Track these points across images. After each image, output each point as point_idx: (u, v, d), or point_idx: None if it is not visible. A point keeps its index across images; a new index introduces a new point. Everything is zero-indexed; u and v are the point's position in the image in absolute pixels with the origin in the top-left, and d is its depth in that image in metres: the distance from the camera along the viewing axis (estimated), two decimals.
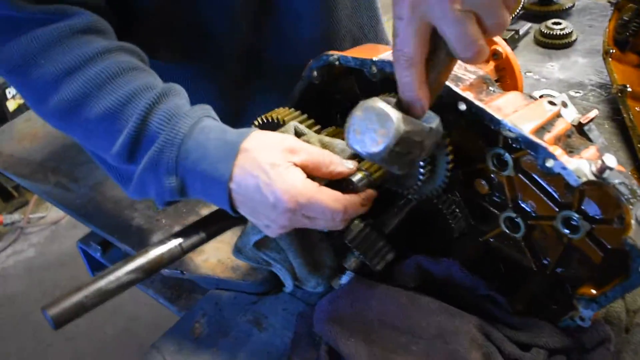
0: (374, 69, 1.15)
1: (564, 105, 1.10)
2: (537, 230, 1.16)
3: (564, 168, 0.95)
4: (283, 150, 1.04)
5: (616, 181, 0.95)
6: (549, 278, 1.18)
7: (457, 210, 1.24)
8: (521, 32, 2.39)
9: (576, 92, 2.02)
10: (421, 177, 1.12)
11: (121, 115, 1.09)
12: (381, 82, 1.15)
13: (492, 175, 1.16)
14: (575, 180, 0.95)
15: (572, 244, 1.10)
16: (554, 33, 2.34)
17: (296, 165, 1.04)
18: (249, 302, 1.34)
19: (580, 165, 0.95)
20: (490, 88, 1.12)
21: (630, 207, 0.94)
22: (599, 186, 0.96)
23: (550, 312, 1.15)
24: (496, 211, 1.19)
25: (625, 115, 1.79)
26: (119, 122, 1.09)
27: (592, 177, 0.94)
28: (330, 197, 1.04)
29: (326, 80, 1.29)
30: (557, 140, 1.01)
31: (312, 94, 1.34)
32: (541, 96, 1.20)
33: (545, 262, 1.18)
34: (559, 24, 2.37)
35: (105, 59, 1.11)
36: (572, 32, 2.35)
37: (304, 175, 1.04)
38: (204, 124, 1.09)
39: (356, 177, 1.08)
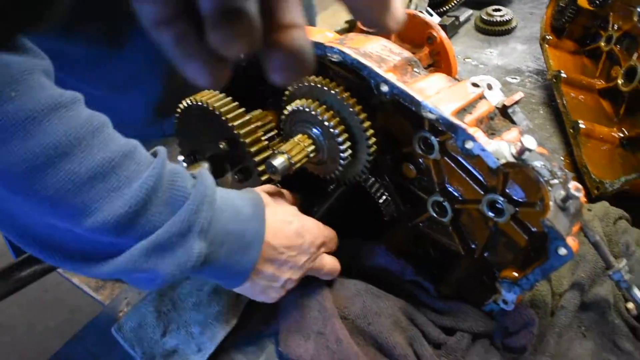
0: None
1: (489, 87, 1.08)
2: (465, 214, 1.15)
3: (483, 150, 0.94)
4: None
5: (536, 163, 0.94)
6: (477, 262, 1.17)
7: (387, 194, 1.23)
8: (462, 18, 2.40)
9: (513, 78, 2.03)
10: (342, 161, 1.10)
11: (113, 179, 0.84)
12: None
13: (419, 159, 1.14)
14: (494, 162, 0.94)
15: (497, 227, 1.10)
16: (494, 20, 2.35)
17: None
18: None
19: (499, 147, 0.94)
20: (415, 70, 1.10)
21: (549, 188, 0.94)
22: (518, 168, 0.95)
23: (475, 296, 1.15)
24: (424, 195, 1.18)
25: (559, 101, 1.80)
26: (111, 185, 0.84)
27: (511, 159, 0.93)
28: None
29: (254, 62, 1.26)
30: (479, 122, 1.00)
31: (241, 76, 1.30)
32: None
33: (473, 246, 1.17)
34: (499, 10, 2.38)
35: (80, 110, 0.88)
36: (512, 19, 2.36)
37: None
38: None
39: (277, 161, 1.06)
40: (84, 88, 1.50)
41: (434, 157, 1.08)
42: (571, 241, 0.92)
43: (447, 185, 1.13)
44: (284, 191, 1.21)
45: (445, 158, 1.09)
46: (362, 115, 1.06)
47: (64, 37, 1.28)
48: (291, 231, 1.06)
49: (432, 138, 1.06)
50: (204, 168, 1.21)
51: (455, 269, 1.21)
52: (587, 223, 1.15)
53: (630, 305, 1.21)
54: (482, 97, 1.05)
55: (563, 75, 1.82)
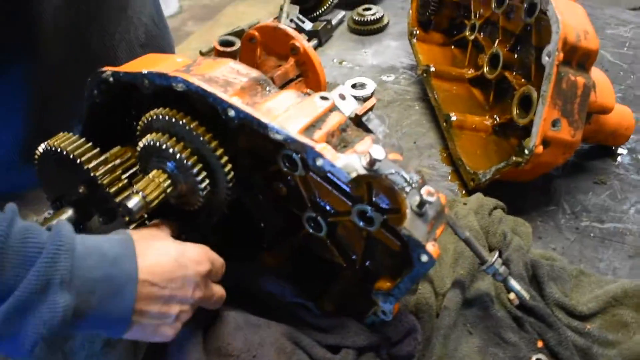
0: (146, 82, 1.08)
1: (342, 97, 1.07)
2: (340, 227, 1.13)
3: (333, 166, 0.92)
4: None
5: (388, 171, 0.93)
6: (359, 273, 1.16)
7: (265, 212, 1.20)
8: (334, 21, 2.39)
9: (388, 77, 2.04)
10: (202, 192, 1.06)
11: None
12: (154, 95, 1.08)
13: (287, 177, 1.12)
14: (345, 177, 0.92)
15: (372, 236, 1.08)
16: (366, 19, 2.36)
17: None
18: None
19: (349, 161, 0.92)
20: (267, 89, 1.08)
21: (405, 195, 0.93)
22: (372, 179, 0.94)
23: (357, 309, 1.13)
24: (298, 212, 1.15)
25: (430, 95, 1.82)
26: None
27: (363, 172, 0.92)
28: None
29: (110, 97, 1.20)
30: (330, 136, 0.98)
31: (103, 112, 1.25)
32: (354, 85, 1.18)
33: (353, 257, 1.16)
34: (370, 9, 2.39)
35: None
36: (383, 16, 2.38)
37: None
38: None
39: (131, 202, 1.01)
40: None
41: (299, 173, 1.05)
42: (431, 247, 0.91)
43: (318, 200, 1.11)
44: (159, 221, 1.15)
45: (311, 173, 1.06)
46: (214, 144, 1.03)
47: None
48: (170, 263, 0.99)
49: (294, 155, 1.03)
50: (62, 218, 1.16)
51: (337, 282, 1.19)
52: (459, 220, 1.15)
53: (512, 295, 1.22)
54: (333, 109, 1.03)
55: (432, 69, 1.84)
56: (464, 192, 1.57)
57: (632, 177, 1.62)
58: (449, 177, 1.62)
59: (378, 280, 1.05)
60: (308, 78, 1.50)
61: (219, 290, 1.11)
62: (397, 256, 1.06)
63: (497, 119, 1.66)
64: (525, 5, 1.51)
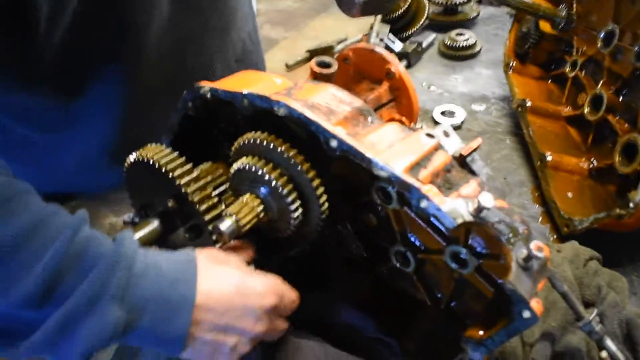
0: (245, 102, 1.06)
1: (446, 135, 1.03)
2: (429, 264, 1.09)
3: (438, 209, 0.88)
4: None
5: (494, 220, 0.89)
6: (443, 314, 1.12)
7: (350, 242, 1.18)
8: (425, 44, 2.36)
9: (479, 106, 1.99)
10: (293, 221, 1.04)
11: (23, 254, 0.80)
12: (253, 115, 1.07)
13: (379, 208, 1.09)
14: (450, 222, 0.88)
15: (463, 278, 1.04)
16: (458, 44, 2.31)
17: None
18: None
19: (456, 206, 0.89)
20: (368, 119, 1.05)
21: (511, 247, 0.88)
22: (476, 226, 0.90)
23: (441, 353, 1.09)
24: (386, 244, 1.12)
25: (525, 131, 1.76)
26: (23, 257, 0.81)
27: (469, 218, 0.88)
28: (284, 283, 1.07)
29: (204, 112, 1.20)
30: (435, 177, 0.94)
31: (193, 124, 1.25)
32: (443, 112, 1.14)
33: (439, 296, 1.12)
34: (462, 34, 2.34)
35: None
36: (475, 42, 2.33)
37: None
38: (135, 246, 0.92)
39: (224, 224, 1.00)
40: (34, 134, 1.44)
41: (393, 207, 1.02)
42: (535, 304, 0.87)
43: (409, 235, 1.08)
44: (239, 243, 1.14)
45: (405, 208, 1.03)
46: (312, 174, 1.01)
47: (20, 88, 1.22)
48: (230, 290, 0.96)
49: (390, 188, 1.00)
50: (147, 229, 1.15)
51: (420, 321, 1.16)
52: (556, 270, 1.10)
53: (604, 354, 1.16)
54: (438, 147, 0.99)
55: (528, 104, 1.78)
56: (554, 236, 1.51)
57: None
58: (540, 219, 1.57)
59: (469, 328, 1.00)
60: (401, 104, 1.47)
61: (281, 324, 1.08)
62: (488, 302, 1.02)
63: (595, 162, 1.59)
64: (636, 49, 1.44)
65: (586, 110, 1.65)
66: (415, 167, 0.94)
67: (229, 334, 0.98)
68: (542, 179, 1.61)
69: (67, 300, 0.82)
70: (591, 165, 1.60)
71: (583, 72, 1.74)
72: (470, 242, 0.98)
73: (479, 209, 0.87)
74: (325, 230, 1.15)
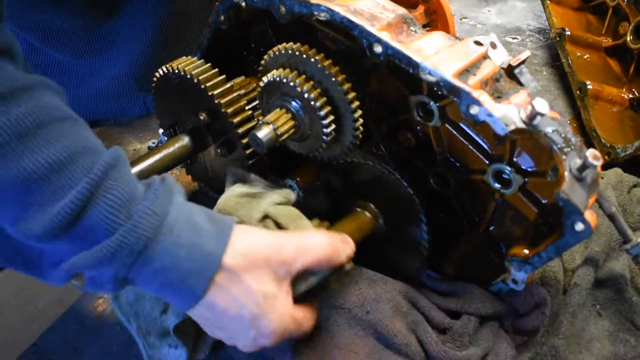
0: (283, 9, 1.01)
1: (493, 46, 0.99)
2: (468, 186, 1.05)
3: (490, 115, 0.84)
4: (277, 268, 0.90)
5: (548, 129, 0.85)
6: (482, 238, 1.09)
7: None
8: None
9: (513, 38, 1.93)
10: (325, 137, 0.99)
11: (52, 183, 0.75)
12: (292, 24, 1.02)
13: (418, 127, 1.04)
14: (502, 129, 0.84)
15: (504, 199, 1.00)
16: None
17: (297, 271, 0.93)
18: None
19: (508, 112, 0.84)
20: (411, 28, 1.00)
21: (564, 157, 0.84)
22: (529, 134, 0.86)
23: (482, 275, 1.06)
24: (424, 166, 1.08)
25: (564, 61, 1.70)
26: (49, 190, 0.76)
27: (521, 125, 0.84)
28: (309, 320, 0.98)
29: (236, 25, 1.15)
30: (484, 85, 0.90)
31: (224, 41, 1.20)
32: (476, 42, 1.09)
33: (477, 219, 1.08)
34: None
35: (26, 100, 0.76)
36: None
37: (292, 302, 0.93)
38: (172, 218, 0.82)
39: (262, 132, 0.96)
40: (64, 58, 1.41)
41: (434, 124, 0.98)
42: (589, 215, 0.83)
43: (448, 155, 1.04)
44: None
45: (446, 125, 0.99)
46: (346, 86, 0.95)
47: (49, 9, 1.19)
48: (232, 313, 0.88)
49: (432, 103, 0.96)
50: (177, 145, 1.12)
51: (460, 245, 1.12)
52: (601, 193, 1.06)
53: None
54: (485, 56, 0.95)
55: (567, 33, 1.72)
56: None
57: None
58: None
59: (514, 247, 0.97)
60: (436, 28, 1.41)
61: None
62: (529, 225, 0.98)
63: (637, 93, 1.54)
64: None
65: (629, 38, 1.59)
66: (464, 73, 0.89)
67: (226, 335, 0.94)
68: (582, 108, 1.56)
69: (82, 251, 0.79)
70: (632, 96, 1.54)
71: (625, 0, 1.67)
72: (515, 159, 0.94)
73: (533, 115, 0.83)
74: (359, 152, 1.11)
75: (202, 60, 1.11)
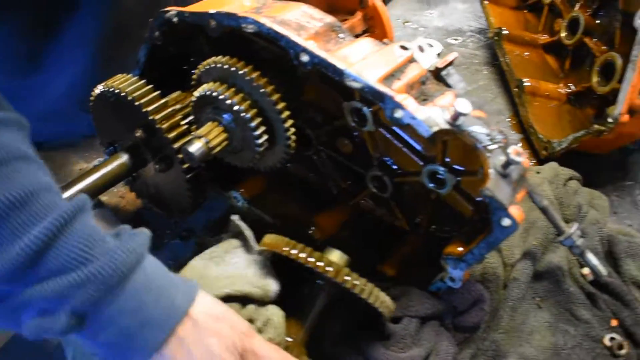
0: (213, 23, 1.02)
1: (421, 49, 1.00)
2: (406, 188, 1.07)
3: (413, 118, 0.85)
4: (237, 338, 0.86)
5: (472, 128, 0.86)
6: (423, 238, 1.10)
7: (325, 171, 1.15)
8: None
9: (455, 39, 1.96)
10: (258, 148, 1.00)
11: (12, 221, 0.72)
12: (226, 37, 1.02)
13: (354, 133, 1.06)
14: (426, 131, 0.85)
15: (441, 199, 1.02)
16: None
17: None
18: None
19: (432, 114, 0.86)
20: (340, 36, 1.01)
21: (488, 154, 0.86)
22: (453, 135, 0.87)
23: (422, 275, 1.07)
24: (362, 170, 1.10)
25: (501, 59, 1.73)
26: (8, 228, 0.72)
27: (445, 126, 0.85)
28: None
29: (172, 41, 1.15)
30: (409, 88, 0.91)
31: (162, 57, 1.20)
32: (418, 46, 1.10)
33: (417, 221, 1.10)
34: None
35: None
36: None
37: None
38: (148, 262, 0.81)
39: (193, 146, 0.96)
40: (2, 78, 1.40)
41: (368, 129, 1.00)
42: (515, 211, 0.84)
43: (385, 158, 1.05)
44: None
45: (380, 129, 1.00)
46: (276, 96, 0.96)
47: None
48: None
49: (364, 109, 0.97)
50: (116, 164, 1.11)
51: (401, 246, 1.14)
52: (535, 187, 1.08)
53: (586, 270, 1.15)
54: (412, 60, 0.96)
55: (505, 32, 1.75)
56: (534, 161, 1.49)
57: None
58: (520, 146, 1.54)
59: (448, 245, 0.98)
60: (375, 34, 1.43)
61: None
62: (467, 222, 1.00)
63: (573, 87, 1.57)
64: None
65: (563, 34, 1.62)
66: (388, 78, 0.91)
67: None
68: (519, 105, 1.58)
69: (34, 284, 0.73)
70: (569, 90, 1.58)
71: None
72: (447, 159, 0.96)
73: (456, 115, 0.85)
74: (300, 160, 1.12)
75: (136, 78, 1.11)
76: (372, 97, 0.88)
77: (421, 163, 0.99)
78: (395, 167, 1.05)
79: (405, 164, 1.03)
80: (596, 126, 1.30)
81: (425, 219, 1.09)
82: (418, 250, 1.12)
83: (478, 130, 0.87)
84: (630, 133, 1.35)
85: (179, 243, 1.28)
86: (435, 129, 0.85)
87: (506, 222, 0.85)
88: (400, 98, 0.86)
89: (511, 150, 0.84)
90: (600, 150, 1.45)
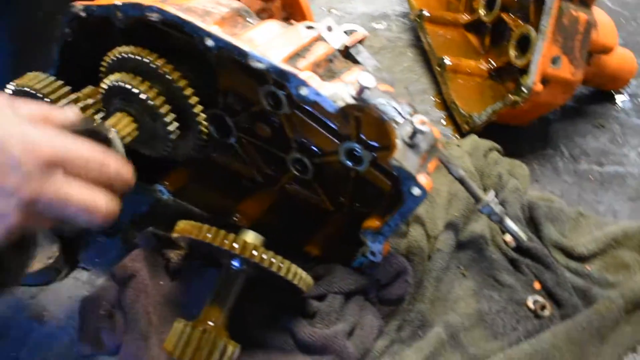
0: (119, 14, 1.01)
1: (329, 29, 1.01)
2: (327, 168, 1.08)
3: (318, 94, 0.86)
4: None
5: (378, 101, 0.87)
6: (348, 217, 1.11)
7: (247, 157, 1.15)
8: None
9: (379, 24, 1.97)
10: (170, 136, 0.99)
11: None
12: (136, 29, 1.01)
13: (271, 117, 1.06)
14: (331, 106, 0.86)
15: (361, 176, 1.03)
16: None
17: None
18: (27, 297, 1.19)
19: (336, 90, 0.86)
20: (248, 20, 1.01)
21: (395, 126, 0.87)
22: (359, 109, 0.88)
23: (345, 253, 1.08)
24: (283, 154, 1.10)
25: (423, 40, 1.75)
26: None
27: (351, 101, 0.86)
28: (90, 145, 0.75)
29: (84, 36, 1.14)
30: (316, 67, 0.92)
31: (76, 53, 1.18)
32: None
33: (341, 200, 1.11)
34: None
35: None
36: None
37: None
38: None
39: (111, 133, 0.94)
40: None
41: (284, 111, 1.00)
42: (424, 179, 0.86)
43: (303, 140, 1.06)
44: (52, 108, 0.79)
45: (296, 111, 1.01)
46: (183, 83, 0.96)
47: None
48: None
49: (279, 92, 0.98)
50: None
51: (324, 226, 1.15)
52: (453, 159, 1.10)
53: (508, 237, 1.18)
54: (319, 39, 0.97)
55: (426, 13, 1.77)
56: (458, 137, 1.51)
57: (634, 120, 1.58)
58: (443, 123, 1.57)
59: (366, 220, 0.99)
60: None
61: (81, 193, 0.73)
62: (388, 197, 1.01)
63: (493, 63, 1.60)
64: None
65: (482, 12, 1.65)
66: (294, 58, 0.91)
67: None
68: (442, 83, 1.61)
69: None
70: (490, 66, 1.60)
71: None
72: (362, 136, 0.97)
73: (360, 90, 0.85)
74: (222, 148, 1.12)
75: (46, 75, 1.09)
76: (278, 76, 0.89)
77: (338, 142, 1.00)
78: (314, 148, 1.06)
79: (323, 144, 1.04)
80: (511, 97, 1.33)
81: (348, 198, 1.10)
82: (341, 229, 1.12)
83: (384, 103, 0.88)
84: (546, 102, 1.38)
85: (104, 240, 1.26)
86: (341, 104, 0.86)
87: (416, 191, 0.86)
88: (304, 75, 0.87)
89: (416, 120, 0.86)
90: (521, 122, 1.48)
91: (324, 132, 1.01)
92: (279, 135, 1.08)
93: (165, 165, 1.19)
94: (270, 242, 1.00)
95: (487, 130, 1.43)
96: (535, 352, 1.00)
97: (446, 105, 1.59)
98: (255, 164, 1.17)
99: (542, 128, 1.54)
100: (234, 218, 1.16)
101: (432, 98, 1.64)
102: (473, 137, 1.37)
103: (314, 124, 1.02)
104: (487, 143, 1.35)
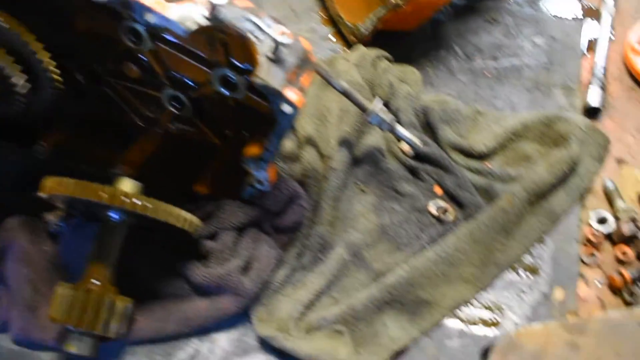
0: None
1: None
2: (205, 102, 1.02)
3: (166, 19, 0.79)
4: None
5: (234, 17, 0.81)
6: (233, 149, 1.06)
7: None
8: None
9: None
10: (20, 89, 0.91)
11: None
12: None
13: (138, 55, 0.98)
14: (182, 30, 0.79)
15: (241, 104, 0.97)
16: None
17: None
18: None
19: (185, 11, 0.79)
20: None
21: (256, 42, 0.81)
22: (219, 30, 0.82)
23: (234, 187, 1.03)
24: (156, 93, 1.03)
25: None
26: None
27: (204, 22, 0.79)
28: None
29: None
30: None
31: None
32: None
33: (227, 132, 1.05)
34: None
35: None
36: None
37: None
38: None
39: None
40: None
41: (149, 47, 0.93)
42: (293, 95, 0.80)
43: (174, 74, 0.99)
44: None
45: (161, 44, 0.94)
46: (29, 37, 0.88)
47: None
48: None
49: (138, 26, 0.90)
50: None
51: (210, 162, 1.09)
52: (339, 73, 1.05)
53: (405, 146, 1.14)
54: None
55: None
56: (347, 51, 1.45)
57: (526, 10, 1.55)
58: (332, 39, 1.50)
59: (246, 147, 0.94)
60: None
61: None
62: (263, 120, 0.96)
63: None
64: None
65: None
66: None
67: None
68: None
69: None
70: None
71: None
72: (232, 60, 0.90)
73: (212, 8, 0.79)
74: (96, 97, 1.05)
75: None
76: (122, 6, 0.81)
77: (209, 71, 0.94)
78: (187, 81, 0.99)
79: (195, 76, 0.97)
80: (392, 0, 1.27)
81: (232, 129, 1.04)
82: (228, 162, 1.07)
83: (241, 18, 0.81)
84: (429, 3, 1.34)
85: None
86: (192, 26, 0.79)
87: (286, 108, 0.82)
88: (147, 1, 0.79)
89: (276, 31, 0.80)
90: (409, 26, 1.43)
91: (193, 62, 0.95)
92: (149, 74, 1.01)
93: (41, 126, 1.11)
94: (159, 188, 0.95)
95: (377, 40, 1.38)
96: (439, 257, 0.98)
97: (333, 20, 1.52)
98: (132, 108, 1.10)
99: (433, 30, 1.49)
100: (118, 169, 1.10)
101: (319, 15, 1.57)
102: (360, 48, 1.31)
103: (181, 55, 0.95)
104: (374, 52, 1.29)
